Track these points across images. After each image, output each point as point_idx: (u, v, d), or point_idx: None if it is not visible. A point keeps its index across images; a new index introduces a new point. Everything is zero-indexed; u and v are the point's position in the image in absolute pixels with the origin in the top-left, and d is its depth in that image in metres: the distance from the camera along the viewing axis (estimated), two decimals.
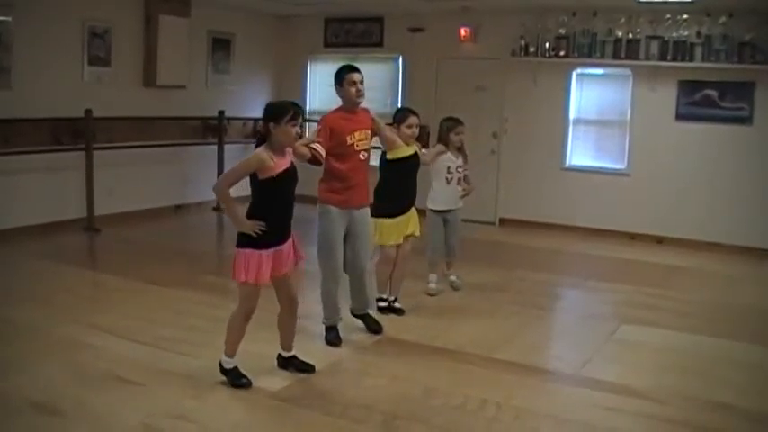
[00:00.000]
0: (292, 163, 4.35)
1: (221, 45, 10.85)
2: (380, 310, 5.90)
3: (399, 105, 10.71)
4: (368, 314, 5.56)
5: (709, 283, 7.64)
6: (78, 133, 8.57)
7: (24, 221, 8.15)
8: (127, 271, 7.02)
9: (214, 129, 10.50)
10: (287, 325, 4.59)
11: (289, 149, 4.34)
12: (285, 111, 4.21)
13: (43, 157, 8.24)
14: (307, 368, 4.65)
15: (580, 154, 10.00)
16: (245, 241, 4.21)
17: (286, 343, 4.64)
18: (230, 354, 4.39)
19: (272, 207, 4.27)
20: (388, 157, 5.69)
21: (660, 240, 9.34)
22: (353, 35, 11.30)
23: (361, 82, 5.12)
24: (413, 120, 5.73)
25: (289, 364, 4.66)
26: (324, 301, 5.27)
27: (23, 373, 4.51)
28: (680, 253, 8.80)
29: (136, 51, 9.50)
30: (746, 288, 7.50)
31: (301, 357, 4.70)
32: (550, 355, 5.48)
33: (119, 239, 8.57)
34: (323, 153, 4.93)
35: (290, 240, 4.41)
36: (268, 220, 4.21)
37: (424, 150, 6.32)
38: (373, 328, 5.51)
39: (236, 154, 11.00)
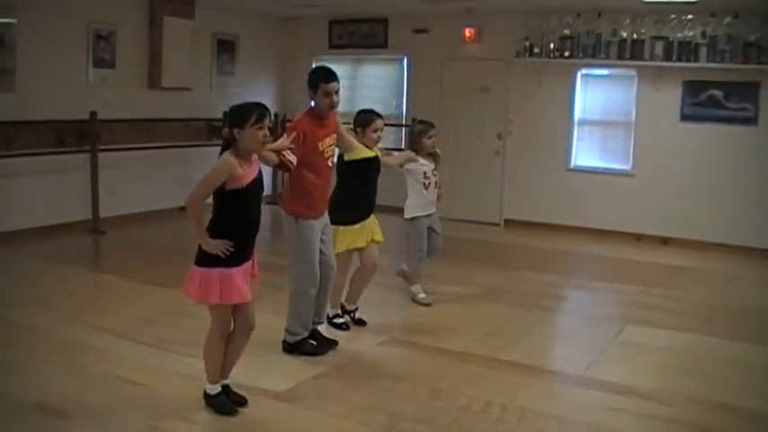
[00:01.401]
0: (260, 170, 4.03)
1: (226, 47, 10.86)
2: (338, 326, 5.56)
3: (404, 106, 10.76)
4: (317, 329, 5.15)
5: (715, 283, 7.61)
6: (82, 135, 8.58)
7: (29, 223, 8.17)
8: (131, 272, 7.02)
9: (219, 130, 10.49)
10: (236, 349, 4.14)
11: (255, 156, 4.03)
12: (249, 114, 3.89)
13: (47, 159, 8.24)
14: (241, 401, 4.17)
15: (585, 155, 9.98)
16: (209, 260, 3.85)
17: (226, 370, 4.16)
18: (214, 380, 4.08)
19: (240, 221, 3.94)
20: (346, 158, 5.31)
21: (665, 241, 9.32)
22: (358, 36, 11.30)
23: (338, 92, 4.79)
24: (379, 123, 5.41)
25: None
26: (300, 312, 4.91)
27: (26, 375, 4.51)
28: (685, 253, 8.78)
29: (140, 53, 9.52)
30: (752, 289, 7.47)
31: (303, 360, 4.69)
32: (555, 357, 5.48)
33: (123, 241, 8.58)
34: (293, 160, 4.57)
35: (252, 258, 4.07)
36: (235, 236, 3.88)
37: (394, 154, 6.22)
38: (327, 340, 5.15)
39: None
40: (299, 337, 4.99)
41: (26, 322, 5.52)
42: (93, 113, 8.58)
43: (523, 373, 4.87)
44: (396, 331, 5.65)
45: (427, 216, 6.26)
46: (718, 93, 8.90)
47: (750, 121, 8.77)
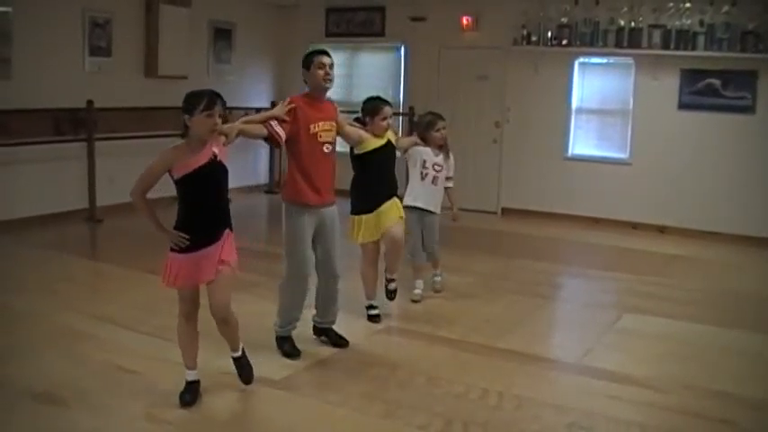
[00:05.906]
0: (215, 156, 3.94)
1: (222, 35, 10.83)
2: (371, 318, 5.54)
3: (401, 95, 10.73)
4: (332, 329, 5.04)
5: (711, 271, 7.63)
6: (79, 123, 8.56)
7: (26, 212, 8.16)
8: (128, 261, 7.02)
9: None
10: (222, 332, 4.16)
11: (217, 141, 3.98)
12: (198, 100, 3.88)
13: (44, 148, 8.23)
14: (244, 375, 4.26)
15: (582, 143, 9.98)
16: (171, 246, 3.98)
17: (233, 344, 4.21)
18: (186, 366, 4.11)
19: (194, 207, 3.99)
20: (356, 151, 5.25)
21: (662, 229, 9.33)
22: (355, 24, 11.26)
23: (331, 66, 4.71)
24: (387, 110, 5.30)
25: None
26: (284, 305, 4.77)
27: (24, 363, 4.51)
28: (682, 242, 8.80)
29: (137, 41, 9.48)
30: (748, 277, 7.49)
31: (299, 346, 4.71)
32: (552, 344, 5.48)
33: (120, 230, 8.55)
34: (281, 133, 4.51)
35: (220, 243, 3.99)
36: (192, 222, 3.95)
37: (405, 138, 6.12)
38: (338, 342, 5.00)
39: (236, 144, 11.01)
40: (282, 333, 4.82)
41: (24, 310, 5.52)
42: (90, 102, 8.56)
43: (520, 361, 4.88)
44: (393, 319, 5.65)
45: (422, 211, 6.00)
46: (715, 81, 8.89)
47: (747, 109, 8.76)
